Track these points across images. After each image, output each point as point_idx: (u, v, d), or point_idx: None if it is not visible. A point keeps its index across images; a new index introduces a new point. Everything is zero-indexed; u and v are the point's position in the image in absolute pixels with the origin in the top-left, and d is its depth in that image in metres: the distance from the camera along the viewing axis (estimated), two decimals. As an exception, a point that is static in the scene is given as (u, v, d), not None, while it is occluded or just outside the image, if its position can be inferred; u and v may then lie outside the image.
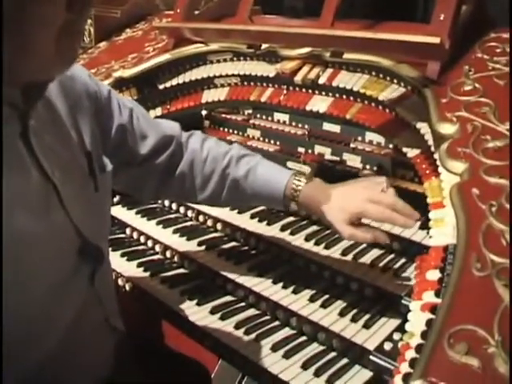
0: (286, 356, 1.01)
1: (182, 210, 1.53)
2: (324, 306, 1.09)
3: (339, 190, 1.06)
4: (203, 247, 1.36)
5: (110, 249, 1.29)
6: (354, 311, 1.07)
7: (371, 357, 0.96)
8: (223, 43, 1.60)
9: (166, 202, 1.59)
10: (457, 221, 0.86)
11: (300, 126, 1.52)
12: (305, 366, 0.99)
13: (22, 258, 0.73)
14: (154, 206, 1.62)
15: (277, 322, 1.12)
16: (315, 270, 1.20)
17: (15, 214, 0.72)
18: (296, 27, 1.41)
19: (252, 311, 1.17)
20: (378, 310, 1.07)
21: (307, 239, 1.27)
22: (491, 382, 0.65)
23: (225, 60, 1.63)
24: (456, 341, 0.69)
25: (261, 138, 1.64)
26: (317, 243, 1.25)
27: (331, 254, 1.22)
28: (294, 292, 1.14)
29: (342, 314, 1.06)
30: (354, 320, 1.05)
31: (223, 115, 1.73)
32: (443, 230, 0.92)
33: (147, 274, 1.32)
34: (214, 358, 1.52)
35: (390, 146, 1.32)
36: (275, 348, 1.04)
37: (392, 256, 1.19)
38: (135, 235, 1.50)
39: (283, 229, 1.32)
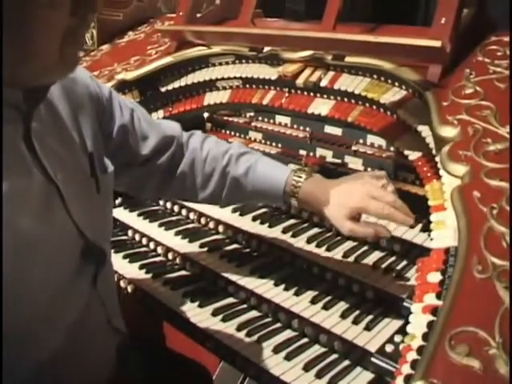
0: (288, 358, 1.02)
1: (183, 212, 1.54)
2: (326, 308, 1.10)
3: (339, 185, 1.06)
4: (205, 249, 1.36)
5: (113, 251, 1.30)
6: (356, 313, 1.07)
7: (373, 359, 0.97)
8: (225, 46, 1.61)
9: (168, 204, 1.59)
10: (458, 223, 0.86)
11: (302, 128, 1.52)
12: (306, 367, 0.99)
13: (24, 258, 0.73)
14: (156, 208, 1.63)
15: (278, 324, 1.13)
16: (317, 272, 1.20)
17: (18, 214, 0.73)
18: (298, 30, 1.42)
19: (254, 313, 1.17)
20: (380, 312, 1.07)
21: (309, 241, 1.27)
22: (492, 384, 0.66)
23: (227, 63, 1.64)
24: (457, 342, 0.69)
25: (262, 141, 1.64)
26: (318, 245, 1.25)
27: (333, 256, 1.22)
28: (296, 294, 1.15)
29: (343, 316, 1.07)
30: (355, 322, 1.05)
31: (225, 118, 1.74)
32: (444, 232, 0.92)
33: (149, 275, 1.32)
34: (216, 360, 1.52)
35: (392, 148, 1.33)
36: (277, 350, 1.04)
37: (393, 258, 1.19)
38: (137, 237, 1.51)
39: (285, 231, 1.33)
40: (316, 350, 1.05)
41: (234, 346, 1.06)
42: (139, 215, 1.58)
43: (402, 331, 0.99)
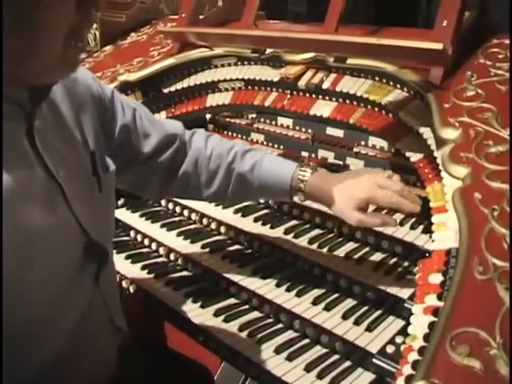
0: (289, 358, 1.02)
1: (185, 213, 1.54)
2: (327, 308, 1.10)
3: (346, 178, 1.07)
4: (207, 250, 1.36)
5: (115, 251, 1.30)
6: (357, 314, 1.07)
7: (374, 359, 0.97)
8: (228, 48, 1.62)
9: (170, 205, 1.60)
10: (459, 225, 0.87)
11: (303, 130, 1.53)
12: (308, 368, 0.99)
13: (27, 253, 0.74)
14: (158, 208, 1.63)
15: (280, 325, 1.13)
16: (318, 273, 1.21)
17: (21, 209, 0.73)
18: (300, 32, 1.42)
19: (255, 314, 1.17)
20: (381, 313, 1.07)
21: (310, 242, 1.27)
22: (493, 384, 0.66)
23: (229, 64, 1.65)
24: (458, 343, 0.70)
25: (264, 142, 1.65)
26: (320, 246, 1.26)
27: (334, 257, 1.22)
28: (298, 295, 1.15)
29: (344, 316, 1.07)
30: (356, 323, 1.05)
31: (227, 119, 1.74)
32: (446, 233, 0.93)
33: (151, 276, 1.33)
34: (217, 361, 1.53)
35: (393, 150, 1.33)
36: (278, 350, 1.04)
37: (395, 259, 1.19)
38: (139, 238, 1.51)
39: (287, 232, 1.33)
40: (317, 350, 1.05)
41: (236, 346, 1.06)
42: (141, 216, 1.59)
43: (403, 332, 0.99)
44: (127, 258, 1.41)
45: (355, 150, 1.40)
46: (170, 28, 1.84)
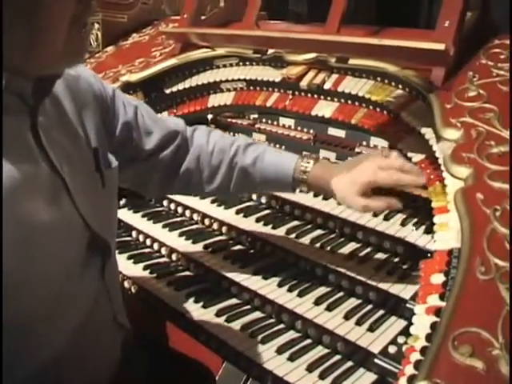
0: (291, 359, 1.02)
1: (187, 213, 1.54)
2: (329, 309, 1.10)
3: (346, 165, 1.08)
4: (209, 250, 1.36)
5: (117, 251, 1.30)
6: (359, 314, 1.07)
7: (376, 360, 0.97)
8: (229, 48, 1.62)
9: (172, 205, 1.60)
10: (461, 225, 0.87)
11: (305, 130, 1.53)
12: (310, 368, 0.99)
13: (32, 245, 0.74)
14: (160, 209, 1.63)
15: (282, 325, 1.13)
16: (320, 274, 1.21)
17: (26, 202, 0.74)
18: (302, 33, 1.43)
19: (257, 314, 1.17)
20: (383, 314, 1.08)
21: (312, 242, 1.28)
22: (495, 384, 0.66)
23: (231, 65, 1.65)
24: (460, 343, 0.70)
25: (266, 143, 1.64)
26: (322, 247, 1.26)
27: (336, 257, 1.22)
28: (299, 295, 1.15)
29: (346, 317, 1.07)
30: (358, 323, 1.05)
31: (229, 119, 1.74)
32: (447, 234, 0.93)
33: (153, 276, 1.33)
34: (218, 361, 1.52)
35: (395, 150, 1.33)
36: (280, 351, 1.04)
37: (397, 260, 1.19)
38: (141, 238, 1.51)
39: (288, 232, 1.33)
40: (319, 350, 1.05)
41: (238, 346, 1.07)
42: (143, 216, 1.59)
43: (405, 332, 0.99)
44: (129, 258, 1.42)
45: (357, 150, 1.40)
46: (172, 28, 1.84)
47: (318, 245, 1.27)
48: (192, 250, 1.37)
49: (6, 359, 0.73)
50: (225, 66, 1.66)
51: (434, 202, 1.04)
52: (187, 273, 1.35)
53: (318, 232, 1.33)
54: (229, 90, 1.64)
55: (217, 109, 1.66)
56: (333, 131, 1.46)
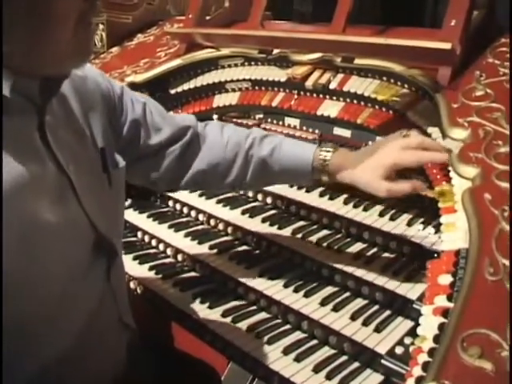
0: (298, 359, 1.02)
1: (193, 213, 1.54)
2: (335, 309, 1.10)
3: (366, 151, 1.07)
4: (214, 251, 1.36)
5: (122, 252, 1.30)
6: (366, 315, 1.07)
7: (382, 361, 0.97)
8: (234, 48, 1.62)
9: (178, 206, 1.60)
10: (469, 225, 0.86)
11: (311, 130, 1.52)
12: (316, 369, 0.99)
13: (37, 245, 0.74)
14: (166, 209, 1.63)
15: (288, 326, 1.13)
16: (326, 274, 1.20)
17: (32, 201, 0.74)
18: (308, 33, 1.42)
19: (263, 315, 1.17)
20: (390, 314, 1.07)
21: (318, 243, 1.27)
22: (504, 386, 0.66)
23: (236, 65, 1.65)
24: (469, 344, 0.69)
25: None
26: (328, 247, 1.25)
27: (342, 257, 1.22)
28: (306, 295, 1.15)
29: (353, 317, 1.07)
30: (365, 324, 1.05)
31: (234, 119, 1.73)
32: (455, 234, 0.92)
33: (159, 277, 1.33)
34: (224, 361, 1.52)
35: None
36: (286, 351, 1.04)
37: (403, 260, 1.19)
38: (147, 238, 1.51)
39: (294, 232, 1.33)
40: (326, 351, 1.05)
41: (244, 347, 1.06)
42: (149, 217, 1.59)
43: (411, 333, 0.98)
44: (135, 258, 1.42)
45: (363, 150, 1.40)
46: (177, 29, 1.85)
47: (324, 245, 1.27)
48: (198, 251, 1.37)
49: (7, 360, 0.73)
50: (230, 66, 1.66)
51: (440, 202, 1.03)
52: (193, 273, 1.35)
53: (324, 232, 1.33)
54: (234, 90, 1.64)
55: (222, 109, 1.66)
56: (338, 131, 1.45)
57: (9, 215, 0.69)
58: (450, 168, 1.01)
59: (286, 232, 1.34)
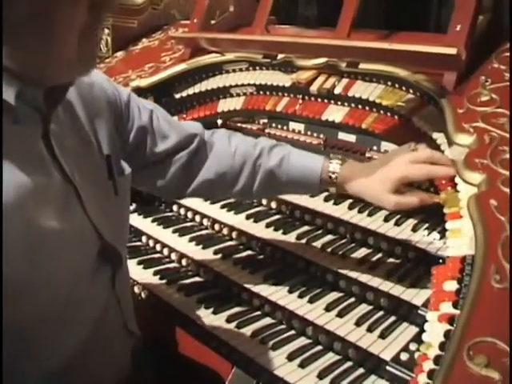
0: (302, 365, 1.02)
1: (197, 218, 1.54)
2: (340, 315, 1.09)
3: (375, 164, 1.08)
4: (219, 256, 1.36)
5: (127, 257, 1.31)
6: (370, 321, 1.07)
7: (387, 367, 0.96)
8: (239, 53, 1.62)
9: (182, 211, 1.60)
10: (475, 232, 0.86)
11: (315, 135, 1.52)
12: (321, 375, 0.99)
13: (42, 253, 0.74)
14: (170, 214, 1.64)
15: (293, 331, 1.13)
16: (331, 279, 1.20)
17: (38, 210, 0.73)
18: (312, 38, 1.42)
19: (268, 320, 1.17)
20: (394, 320, 1.07)
21: (323, 248, 1.27)
22: (511, 395, 0.65)
23: (241, 70, 1.65)
24: (476, 353, 0.69)
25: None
26: (332, 252, 1.25)
27: (347, 263, 1.21)
28: (310, 301, 1.14)
29: (358, 323, 1.06)
30: (370, 330, 1.04)
31: (239, 124, 1.74)
32: (460, 240, 0.92)
33: (163, 281, 1.33)
34: (228, 367, 1.52)
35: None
36: (291, 357, 1.04)
37: (408, 265, 1.18)
38: (151, 243, 1.51)
39: (299, 238, 1.32)
40: (330, 357, 1.05)
41: (248, 352, 1.06)
42: (153, 221, 1.59)
43: (417, 339, 0.98)
44: (139, 263, 1.42)
45: (367, 155, 1.39)
46: (182, 33, 1.85)
47: (328, 250, 1.26)
48: (202, 256, 1.37)
49: (8, 366, 0.73)
50: (234, 70, 1.66)
51: (446, 207, 1.02)
52: (197, 278, 1.35)
53: (329, 237, 1.33)
54: (238, 95, 1.64)
55: (226, 114, 1.66)
56: (343, 136, 1.45)
57: (13, 224, 0.68)
58: (455, 174, 1.00)
59: (291, 237, 1.34)
